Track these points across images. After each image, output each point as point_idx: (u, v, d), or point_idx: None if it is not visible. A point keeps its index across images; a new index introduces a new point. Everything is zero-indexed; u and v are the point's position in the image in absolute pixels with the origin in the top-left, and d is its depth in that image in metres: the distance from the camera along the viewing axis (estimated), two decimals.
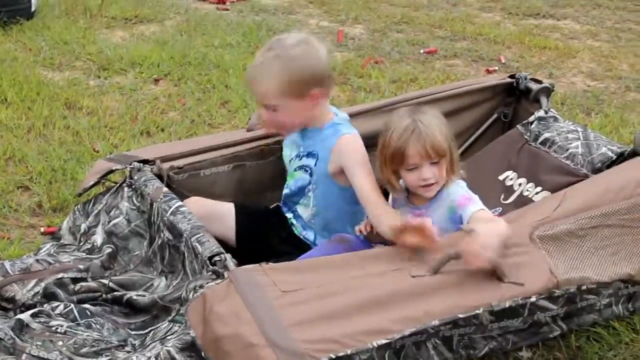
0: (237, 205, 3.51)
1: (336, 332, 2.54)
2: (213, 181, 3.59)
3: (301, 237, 3.43)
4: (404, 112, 3.14)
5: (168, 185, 3.40)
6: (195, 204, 3.40)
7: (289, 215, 3.48)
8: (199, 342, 2.60)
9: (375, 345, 2.57)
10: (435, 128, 3.05)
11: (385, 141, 3.09)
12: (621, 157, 3.49)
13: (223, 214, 3.46)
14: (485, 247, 2.79)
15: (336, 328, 2.55)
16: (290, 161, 3.47)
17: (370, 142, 3.32)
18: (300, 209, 3.44)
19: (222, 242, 3.20)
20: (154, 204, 3.23)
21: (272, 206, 3.62)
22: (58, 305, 3.03)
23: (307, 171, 3.37)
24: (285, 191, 3.49)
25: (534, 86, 4.00)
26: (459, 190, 3.14)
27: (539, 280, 2.85)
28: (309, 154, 3.37)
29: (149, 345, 2.87)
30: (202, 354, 2.61)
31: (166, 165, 3.48)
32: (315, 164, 3.35)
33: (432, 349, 3.02)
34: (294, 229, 3.46)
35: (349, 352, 2.52)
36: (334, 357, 2.50)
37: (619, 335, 3.26)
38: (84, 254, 3.31)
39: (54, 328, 2.92)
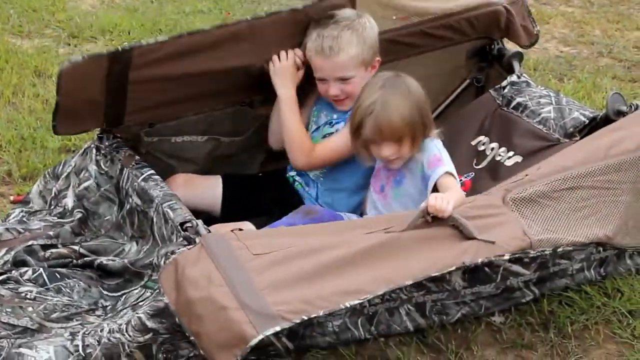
0: (224, 177, 3.52)
1: (308, 293, 2.53)
2: (185, 147, 3.56)
3: (300, 191, 3.47)
4: (379, 80, 3.13)
5: (135, 149, 3.37)
6: (182, 179, 3.44)
7: (292, 172, 3.51)
8: (172, 308, 2.59)
9: (348, 306, 2.56)
10: (395, 111, 3.04)
11: (354, 109, 3.13)
12: (594, 122, 3.48)
13: (211, 188, 3.48)
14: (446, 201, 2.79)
15: (308, 289, 2.54)
16: (317, 128, 3.48)
17: None
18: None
19: (210, 215, 3.22)
20: (125, 169, 3.20)
21: (260, 174, 3.66)
22: (27, 271, 3.01)
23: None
24: None
25: (506, 51, 3.98)
26: (432, 148, 3.14)
27: (513, 240, 2.83)
28: (344, 121, 3.37)
29: (120, 311, 2.86)
30: (176, 319, 2.59)
31: (137, 127, 3.43)
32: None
33: (404, 315, 3.03)
34: (296, 185, 3.49)
35: (321, 313, 2.51)
36: (306, 318, 2.49)
37: (590, 299, 3.28)
38: (55, 218, 3.29)
39: (23, 294, 2.90)
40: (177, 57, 3.22)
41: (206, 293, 2.50)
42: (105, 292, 3.00)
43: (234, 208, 3.41)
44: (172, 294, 2.60)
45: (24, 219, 3.31)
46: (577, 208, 3.02)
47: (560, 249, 2.96)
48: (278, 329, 2.44)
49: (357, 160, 3.29)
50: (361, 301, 2.59)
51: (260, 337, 2.39)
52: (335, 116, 3.43)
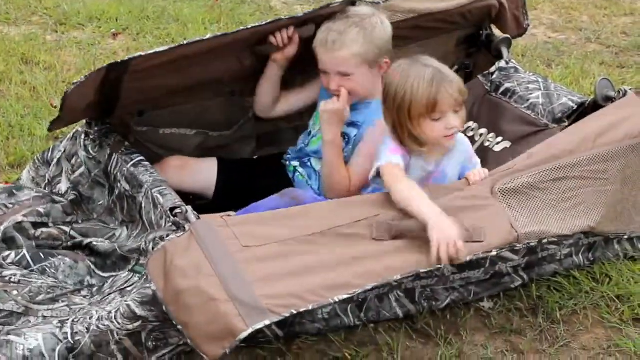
0: (220, 159, 3.53)
1: (298, 287, 2.51)
2: (173, 139, 3.55)
3: (300, 182, 3.45)
4: (412, 62, 2.97)
5: (125, 136, 3.37)
6: (178, 161, 3.45)
7: (295, 163, 3.50)
8: (160, 296, 2.58)
9: (337, 300, 2.56)
10: (455, 76, 2.97)
11: (406, 94, 2.90)
12: (582, 108, 3.49)
13: (205, 170, 3.49)
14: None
15: (298, 283, 2.52)
16: (320, 129, 3.40)
17: None
18: (314, 162, 3.45)
19: (203, 197, 3.21)
20: (114, 154, 3.19)
21: (255, 157, 3.66)
22: (9, 254, 3.00)
23: (344, 139, 3.35)
24: (301, 145, 3.52)
25: (495, 37, 3.98)
26: (464, 139, 3.11)
27: (500, 234, 2.83)
28: (352, 124, 3.36)
29: (107, 295, 2.85)
30: (163, 307, 2.59)
31: (128, 116, 3.43)
32: (355, 135, 3.35)
33: (394, 302, 3.04)
34: (297, 176, 3.47)
35: (310, 307, 2.51)
36: (295, 312, 2.49)
37: (579, 284, 3.29)
38: (46, 190, 3.31)
39: (7, 278, 2.90)
40: (173, 65, 3.23)
41: (195, 283, 2.49)
42: (92, 268, 2.99)
43: (228, 192, 3.42)
44: (160, 282, 2.59)
45: (14, 190, 3.30)
46: (564, 199, 3.02)
47: (545, 240, 2.96)
48: (267, 322, 2.43)
49: None
50: (350, 295, 2.59)
51: (250, 330, 2.39)
52: None
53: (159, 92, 3.38)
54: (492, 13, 3.93)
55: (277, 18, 3.38)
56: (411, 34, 3.78)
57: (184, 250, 2.59)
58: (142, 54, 3.11)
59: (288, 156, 3.54)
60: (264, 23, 3.31)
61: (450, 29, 3.94)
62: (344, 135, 3.35)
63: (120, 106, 3.32)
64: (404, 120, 2.91)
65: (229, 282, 2.47)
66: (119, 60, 3.08)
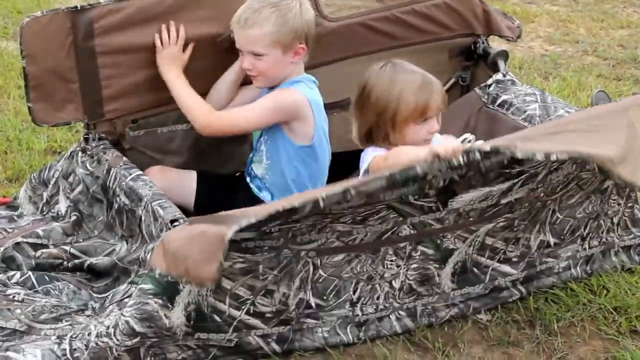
0: (199, 172, 3.51)
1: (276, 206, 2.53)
2: (169, 138, 3.55)
3: (258, 197, 3.42)
4: (394, 67, 3.00)
5: (118, 143, 3.39)
6: (158, 171, 3.42)
7: (247, 178, 3.48)
8: (164, 272, 2.59)
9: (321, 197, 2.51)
10: (437, 79, 3.01)
11: (392, 100, 2.92)
12: None
13: (185, 182, 3.46)
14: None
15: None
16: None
17: None
18: (255, 167, 3.45)
19: (182, 209, 3.19)
20: (112, 169, 3.20)
21: (237, 174, 3.61)
22: (15, 274, 3.01)
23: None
24: (250, 155, 3.50)
25: (492, 50, 3.99)
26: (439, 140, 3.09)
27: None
28: None
29: (106, 308, 2.86)
30: (164, 322, 2.59)
31: (121, 121, 3.43)
32: None
33: (394, 320, 3.05)
34: (252, 191, 3.45)
35: (281, 209, 2.48)
36: (278, 211, 2.49)
37: (576, 296, 3.29)
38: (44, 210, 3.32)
39: (11, 296, 2.90)
40: (140, 22, 3.27)
41: (188, 236, 2.52)
42: (94, 295, 2.99)
43: (208, 205, 3.39)
44: (162, 264, 2.56)
45: (14, 217, 3.31)
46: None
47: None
48: (253, 220, 2.41)
49: (295, 145, 3.31)
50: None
51: (236, 227, 2.37)
52: None
53: (145, 88, 3.39)
54: (476, 12, 3.96)
55: None
56: (398, 31, 3.81)
57: (179, 232, 2.62)
58: (102, 2, 3.17)
59: (246, 171, 3.52)
60: None
61: (438, 32, 3.94)
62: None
63: (107, 100, 3.32)
64: (384, 124, 2.94)
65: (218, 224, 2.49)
66: (79, 6, 3.15)
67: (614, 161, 2.68)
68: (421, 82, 2.94)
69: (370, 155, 2.97)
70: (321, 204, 2.49)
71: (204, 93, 3.43)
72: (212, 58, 3.46)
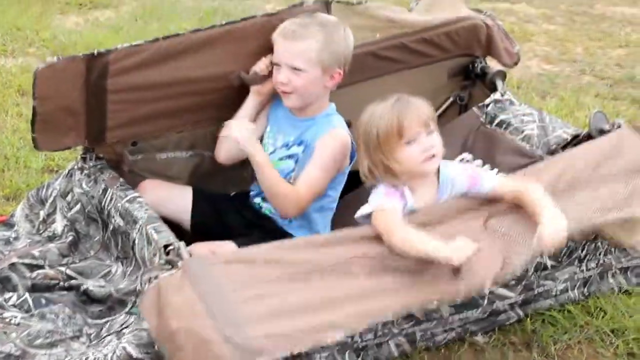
0: (195, 189, 3.49)
1: (291, 327, 2.47)
2: (169, 164, 3.55)
3: (272, 217, 3.38)
4: (376, 102, 2.96)
5: (118, 167, 3.37)
6: (152, 185, 3.40)
7: (257, 199, 3.44)
8: (154, 334, 2.56)
9: (330, 342, 2.53)
10: (418, 99, 2.93)
11: (372, 127, 2.90)
12: (576, 139, 3.49)
13: (180, 197, 3.43)
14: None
15: (293, 323, 2.49)
16: (274, 151, 3.40)
17: None
18: None
19: (177, 225, 3.19)
20: (109, 189, 3.19)
21: (232, 194, 3.60)
22: (11, 296, 3.00)
23: (292, 157, 3.33)
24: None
25: (490, 69, 3.99)
26: (452, 169, 3.03)
27: (492, 271, 2.79)
28: (300, 143, 3.33)
29: (104, 337, 2.84)
30: (155, 346, 2.57)
31: (121, 146, 3.42)
32: (302, 151, 3.31)
33: (393, 346, 3.04)
34: (263, 211, 3.41)
35: (304, 349, 2.49)
36: (289, 354, 2.47)
37: (573, 318, 3.29)
38: (43, 237, 3.30)
39: (7, 320, 2.89)
40: (154, 63, 3.24)
41: (189, 324, 2.45)
42: (89, 320, 2.97)
43: (204, 222, 3.40)
44: (153, 321, 2.55)
45: (11, 239, 3.30)
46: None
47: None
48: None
49: None
50: (345, 336, 2.56)
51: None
52: (292, 138, 3.35)
53: (148, 117, 3.36)
54: (480, 37, 3.94)
55: (250, 16, 3.38)
56: (401, 56, 3.79)
57: (177, 289, 2.55)
58: (119, 47, 3.15)
59: (252, 192, 3.49)
60: (238, 20, 3.34)
61: (440, 56, 3.93)
62: (293, 155, 3.33)
63: (110, 129, 3.30)
64: (376, 155, 2.88)
65: (222, 323, 2.44)
66: (96, 52, 3.12)
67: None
68: (393, 103, 2.89)
69: (377, 196, 2.91)
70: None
71: (213, 130, 3.46)
72: (222, 95, 3.44)
